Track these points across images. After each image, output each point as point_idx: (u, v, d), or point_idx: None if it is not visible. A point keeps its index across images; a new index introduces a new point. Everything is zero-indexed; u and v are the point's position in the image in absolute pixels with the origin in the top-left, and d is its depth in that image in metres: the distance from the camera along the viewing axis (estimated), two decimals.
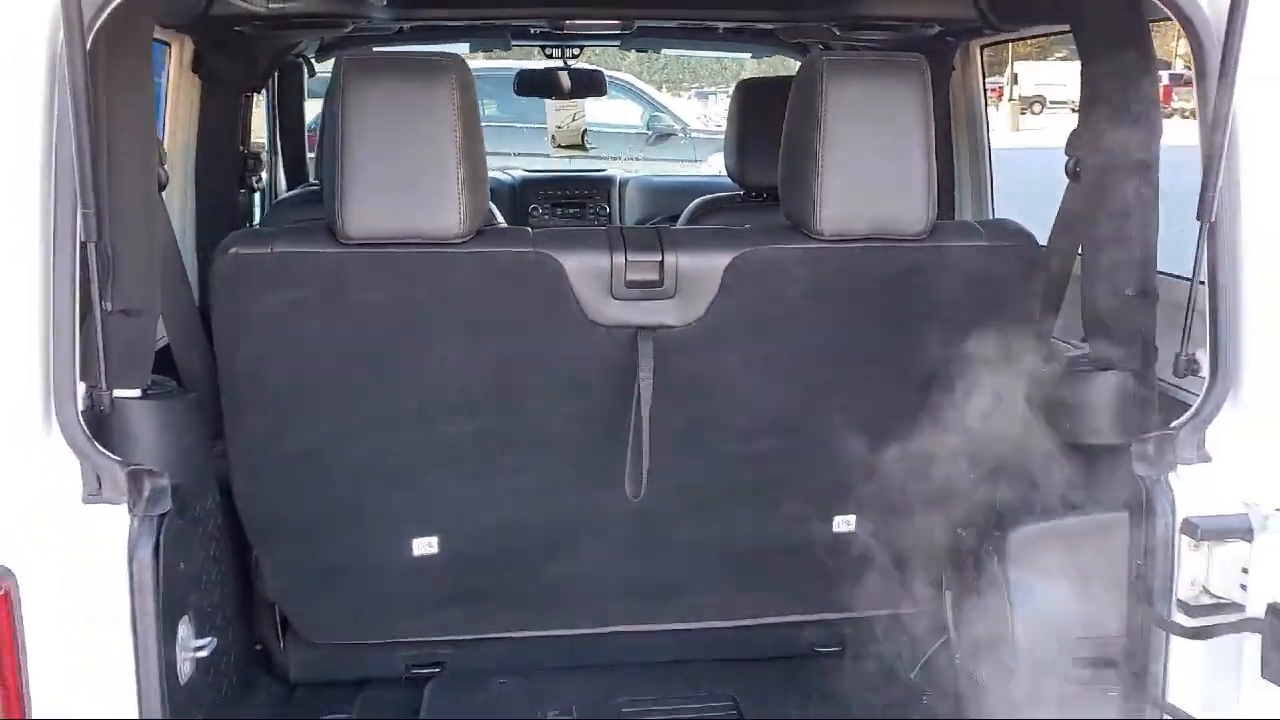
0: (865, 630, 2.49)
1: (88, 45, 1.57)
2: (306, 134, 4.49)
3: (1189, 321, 1.88)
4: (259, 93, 3.72)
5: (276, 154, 4.16)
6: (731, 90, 3.39)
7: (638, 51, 5.44)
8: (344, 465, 2.17)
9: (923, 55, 2.13)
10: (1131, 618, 1.92)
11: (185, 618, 1.85)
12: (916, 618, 2.47)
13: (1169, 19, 1.87)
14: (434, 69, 1.93)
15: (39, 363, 1.65)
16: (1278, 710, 1.68)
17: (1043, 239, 2.26)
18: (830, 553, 2.37)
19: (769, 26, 3.67)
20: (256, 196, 3.74)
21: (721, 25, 3.74)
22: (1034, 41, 3.06)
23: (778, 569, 2.41)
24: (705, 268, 2.03)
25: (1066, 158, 2.26)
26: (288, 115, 4.24)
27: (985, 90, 3.26)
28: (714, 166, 6.57)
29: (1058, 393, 2.12)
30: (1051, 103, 30.08)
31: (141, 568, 1.69)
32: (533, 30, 3.86)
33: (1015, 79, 29.17)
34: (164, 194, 2.06)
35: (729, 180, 3.39)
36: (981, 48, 3.16)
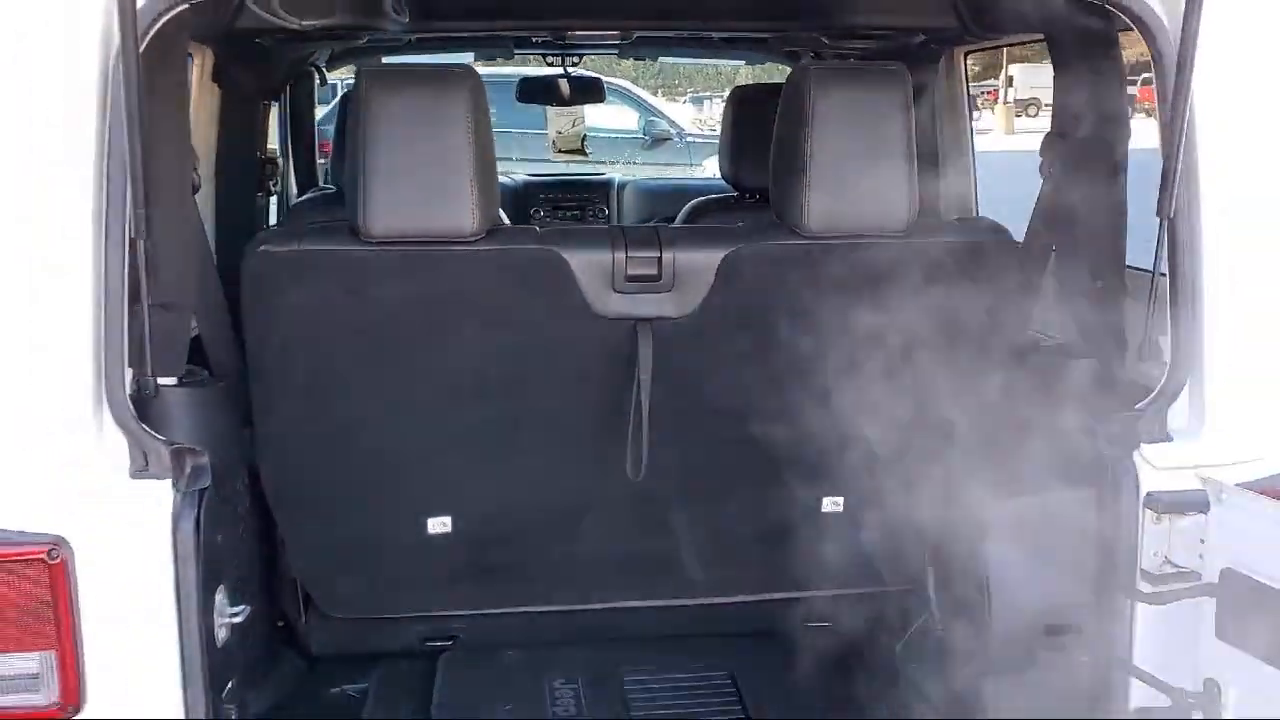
0: (853, 605, 2.62)
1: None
2: (317, 140, 4.62)
3: (1151, 310, 2.02)
4: (275, 101, 3.85)
5: (288, 159, 4.29)
6: (726, 95, 3.52)
7: (635, 59, 5.57)
8: (364, 448, 2.30)
9: (906, 62, 2.27)
10: (1099, 586, 2.05)
11: (221, 587, 1.98)
12: (901, 593, 2.61)
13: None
14: (449, 80, 2.07)
15: (91, 351, 1.78)
16: (1231, 666, 1.81)
17: None
18: (820, 532, 2.50)
19: (762, 35, 3.81)
20: (272, 200, 3.87)
21: (716, 34, 3.87)
22: (1029, 46, 3.19)
23: (770, 547, 2.53)
24: (700, 263, 2.16)
25: (1040, 159, 2.41)
26: (299, 122, 4.38)
27: (971, 94, 3.39)
28: (708, 170, 6.70)
29: (1033, 379, 2.26)
30: (1046, 105, 30.02)
31: (184, 538, 1.82)
32: (534, 39, 3.99)
33: (1010, 82, 29.34)
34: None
35: (723, 183, 3.52)
36: (965, 54, 3.30)
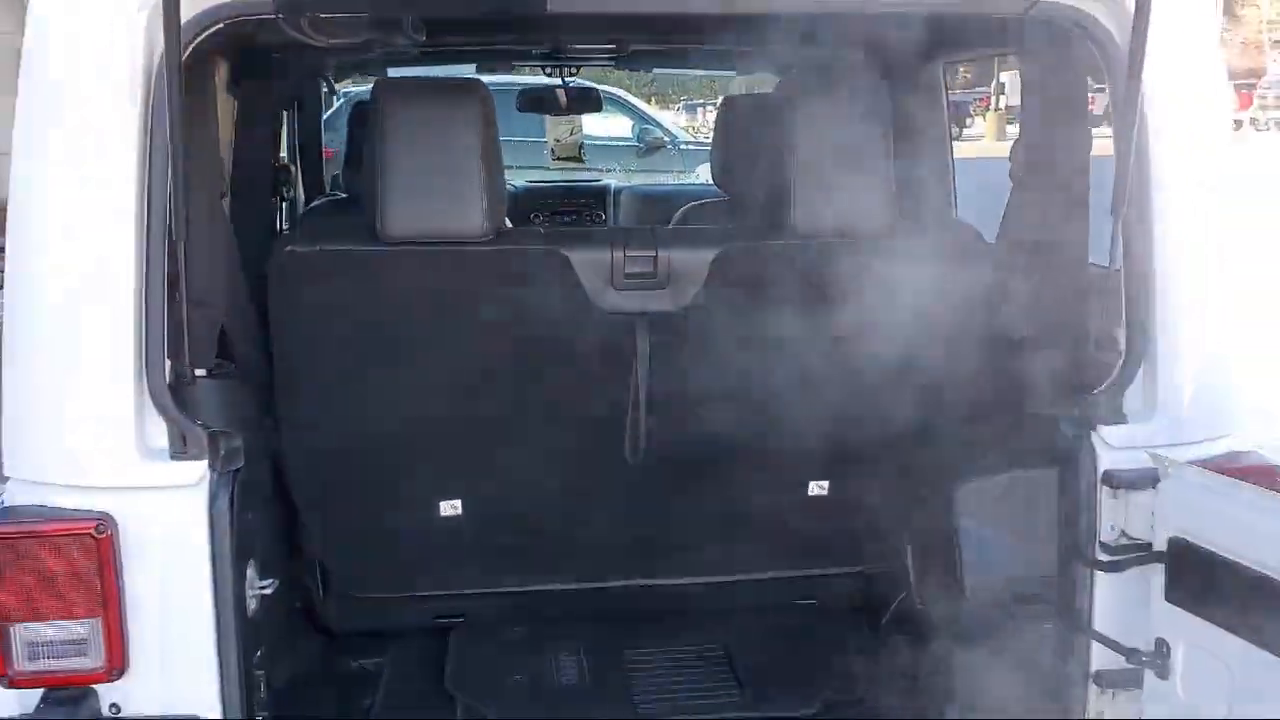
0: (839, 583, 2.78)
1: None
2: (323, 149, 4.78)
3: (1106, 303, 2.18)
4: (287, 111, 4.01)
5: (297, 166, 4.44)
6: (718, 103, 3.66)
7: (630, 71, 5.72)
8: (381, 436, 2.44)
9: (888, 74, 2.42)
10: (1062, 558, 2.20)
11: (251, 561, 2.12)
12: (884, 571, 2.77)
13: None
14: (460, 93, 2.23)
15: (134, 343, 1.92)
16: (1178, 626, 1.98)
17: None
18: (807, 515, 2.65)
19: (751, 49, 3.97)
20: (285, 206, 4.02)
21: (707, 49, 4.03)
22: None
23: (760, 529, 2.66)
24: (694, 261, 2.31)
25: (1010, 164, 2.57)
26: (307, 130, 4.53)
27: (950, 103, 3.55)
28: (702, 177, 6.84)
29: (1003, 369, 2.41)
30: None
31: (220, 514, 1.96)
32: (534, 52, 4.15)
33: (1002, 89, 29.52)
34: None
35: (716, 188, 3.67)
36: (944, 66, 3.46)
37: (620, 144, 10.81)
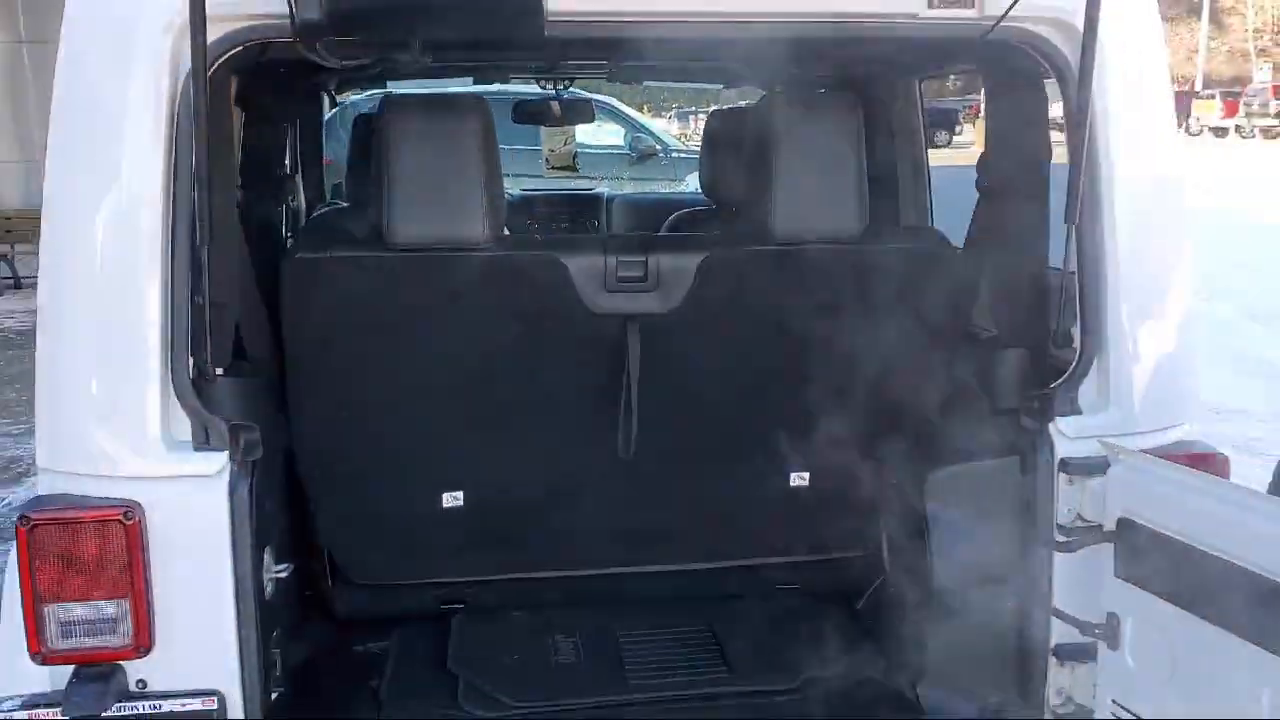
0: (819, 569, 2.93)
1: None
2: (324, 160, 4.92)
3: (1062, 304, 2.34)
4: (291, 122, 4.15)
5: (299, 176, 4.57)
6: (710, 110, 3.81)
7: (622, 83, 5.87)
8: (387, 430, 2.58)
9: (868, 90, 2.57)
10: (1023, 540, 2.35)
11: (268, 547, 2.26)
12: (861, 557, 2.92)
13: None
14: (462, 108, 2.38)
15: (159, 343, 2.06)
16: (1127, 600, 2.13)
17: None
18: (788, 504, 2.80)
19: (737, 65, 4.13)
20: (288, 213, 4.16)
21: (696, 64, 4.18)
22: None
23: (745, 519, 2.81)
24: (681, 266, 2.45)
25: (977, 174, 2.73)
26: (308, 141, 4.67)
27: (924, 117, 3.72)
28: (692, 185, 7.00)
29: (969, 366, 2.57)
30: None
31: (240, 501, 2.09)
32: (529, 66, 4.30)
33: None
34: None
35: (703, 197, 3.84)
36: (919, 82, 3.63)
37: (613, 152, 10.97)
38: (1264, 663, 1.82)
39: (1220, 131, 41.07)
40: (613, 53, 3.28)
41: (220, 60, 2.09)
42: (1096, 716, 2.25)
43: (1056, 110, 2.48)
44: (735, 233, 2.63)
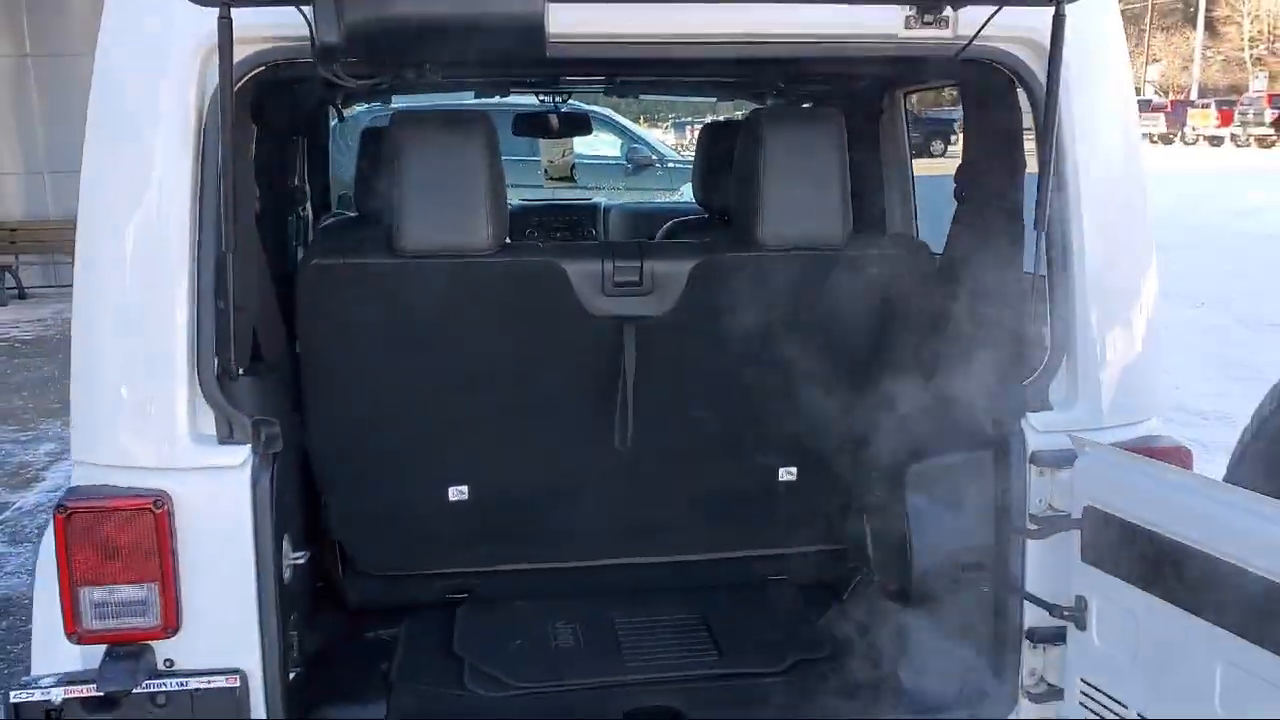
0: (806, 560, 3.06)
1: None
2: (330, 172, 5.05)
3: (1033, 305, 2.47)
4: (302, 136, 4.29)
5: (307, 187, 4.71)
6: (706, 120, 3.94)
7: (618, 97, 6.02)
8: (396, 428, 2.71)
9: (855, 102, 2.68)
10: (997, 529, 2.47)
11: (287, 535, 2.39)
12: (845, 549, 3.05)
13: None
14: (469, 122, 2.51)
15: (186, 344, 2.19)
16: (1092, 583, 2.27)
17: None
18: (777, 498, 2.94)
19: (730, 81, 4.28)
20: (297, 223, 4.30)
21: (690, 80, 4.32)
22: None
23: (735, 512, 2.93)
24: (675, 271, 2.59)
25: (955, 184, 2.88)
26: (315, 153, 4.81)
27: (908, 129, 3.86)
28: (687, 195, 7.14)
29: (948, 366, 2.70)
30: None
31: (262, 492, 2.21)
32: (529, 80, 4.44)
33: None
34: None
35: (697, 206, 3.98)
36: (904, 95, 3.78)
37: (609, 163, 11.09)
38: (1217, 637, 1.95)
39: (1216, 140, 41.31)
40: (610, 70, 3.43)
41: (244, 79, 2.22)
42: (1066, 694, 2.38)
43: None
44: (726, 239, 2.76)
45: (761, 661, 2.74)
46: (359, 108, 6.17)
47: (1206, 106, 43.81)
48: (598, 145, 10.63)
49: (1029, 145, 2.61)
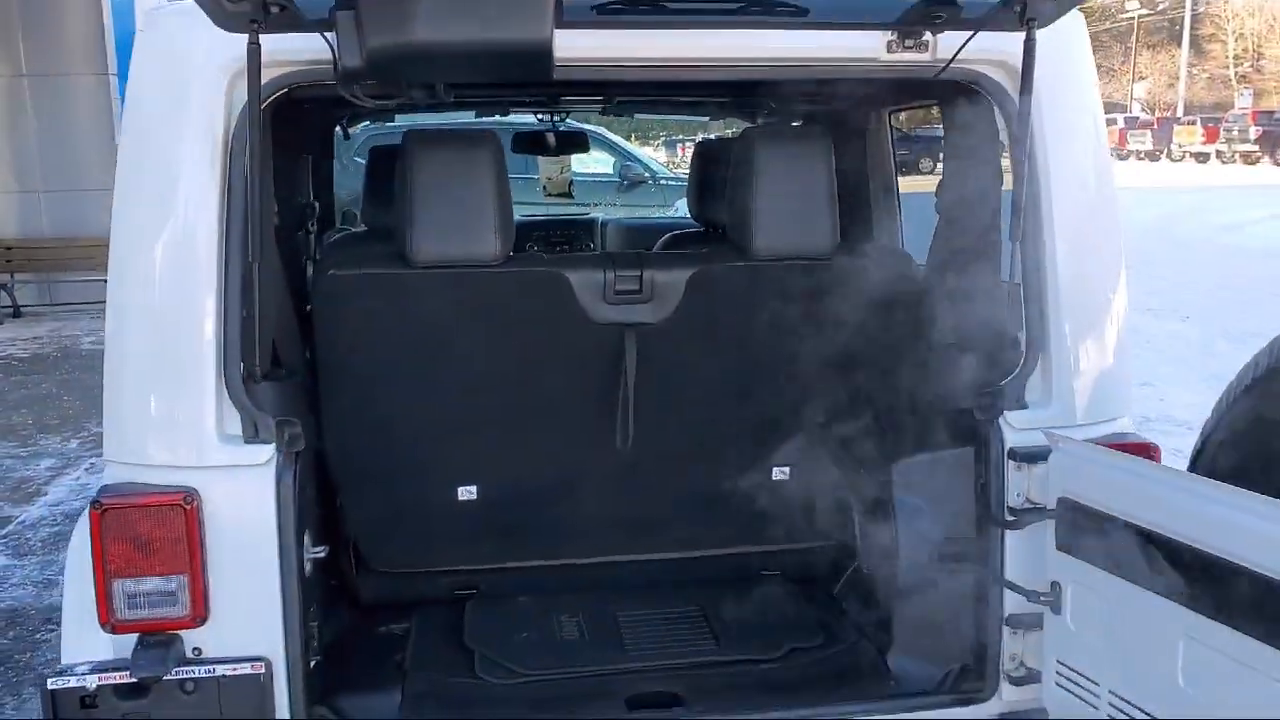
0: (799, 555, 3.19)
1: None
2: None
3: (1010, 311, 2.62)
4: (312, 154, 4.43)
5: (317, 202, 4.83)
6: (697, 139, 4.08)
7: (615, 116, 6.18)
8: (408, 430, 2.83)
9: (842, 120, 2.81)
10: (979, 521, 2.61)
11: (307, 530, 2.50)
12: (837, 544, 3.19)
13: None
14: (477, 140, 2.66)
15: (214, 349, 2.31)
16: (1066, 569, 2.41)
17: None
18: (771, 496, 3.07)
19: (722, 100, 4.44)
20: (309, 238, 4.42)
21: (684, 99, 4.48)
22: None
23: (732, 510, 3.04)
24: (673, 280, 2.73)
25: (936, 199, 3.03)
26: (320, 169, 4.94)
27: (893, 145, 4.02)
28: (680, 210, 7.29)
29: (930, 369, 2.84)
30: None
31: (285, 488, 2.33)
32: (527, 100, 4.60)
33: None
34: None
35: (691, 220, 4.13)
36: (888, 113, 3.94)
37: (603, 180, 11.24)
38: (1181, 616, 2.09)
39: (1201, 157, 41.66)
40: (609, 91, 3.58)
41: (269, 100, 2.36)
42: (1044, 676, 2.52)
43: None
44: (721, 251, 2.90)
45: (757, 650, 2.86)
46: (356, 128, 6.32)
47: (1192, 123, 44.19)
48: (592, 163, 10.78)
49: (1005, 161, 2.77)
